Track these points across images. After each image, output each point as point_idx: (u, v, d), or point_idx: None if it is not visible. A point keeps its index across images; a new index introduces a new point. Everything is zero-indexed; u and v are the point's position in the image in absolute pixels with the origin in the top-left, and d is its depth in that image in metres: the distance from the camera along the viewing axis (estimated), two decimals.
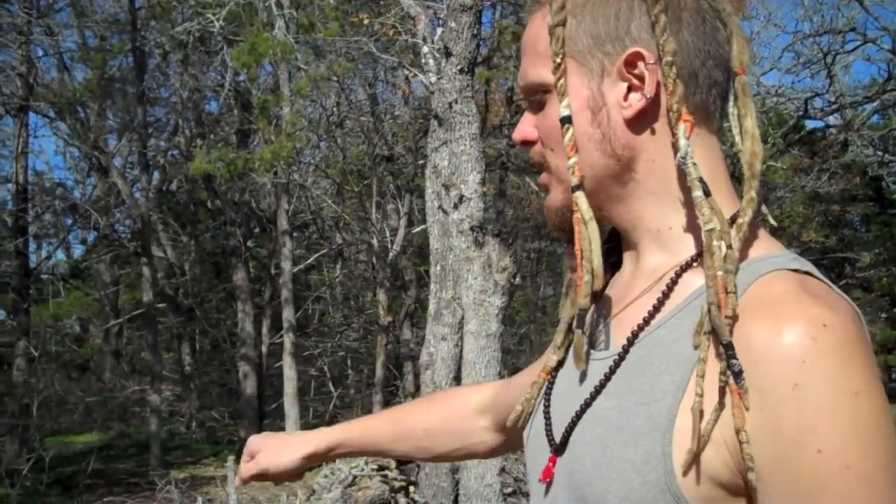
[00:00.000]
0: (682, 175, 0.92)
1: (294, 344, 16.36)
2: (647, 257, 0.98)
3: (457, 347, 7.47)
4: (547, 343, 1.10)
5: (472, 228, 6.76)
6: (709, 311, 0.85)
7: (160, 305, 19.74)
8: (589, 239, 0.95)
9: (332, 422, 19.71)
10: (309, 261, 20.21)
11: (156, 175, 20.81)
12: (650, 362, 0.90)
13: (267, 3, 11.14)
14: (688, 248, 0.94)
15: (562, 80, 0.96)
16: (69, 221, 22.48)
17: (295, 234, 20.12)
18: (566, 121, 0.95)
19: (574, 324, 0.99)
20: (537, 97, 1.01)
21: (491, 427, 1.40)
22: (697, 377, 0.84)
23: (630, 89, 0.94)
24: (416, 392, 14.42)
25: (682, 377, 0.86)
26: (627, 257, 1.02)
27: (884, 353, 26.10)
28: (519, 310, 22.59)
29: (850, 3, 14.93)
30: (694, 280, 0.91)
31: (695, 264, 0.92)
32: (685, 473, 0.83)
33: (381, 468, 9.56)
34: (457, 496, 7.45)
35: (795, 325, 0.80)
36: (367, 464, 9.62)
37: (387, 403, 16.55)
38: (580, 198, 0.95)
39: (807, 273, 0.88)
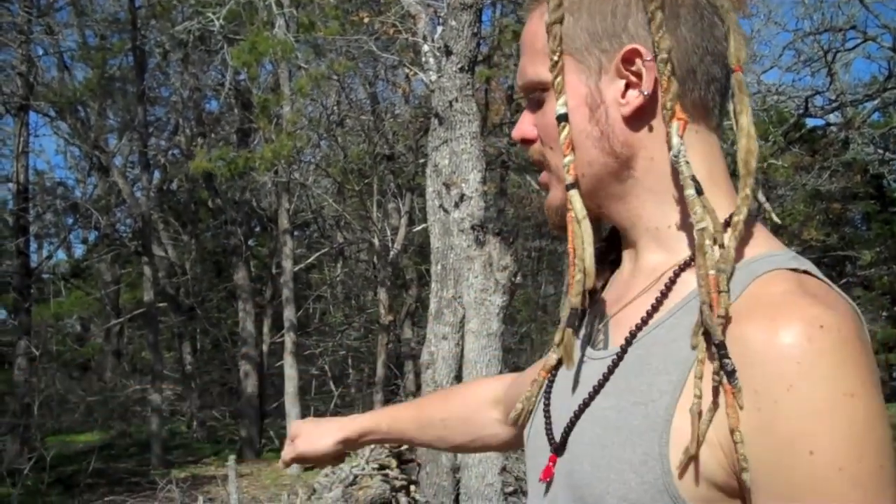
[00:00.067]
0: (678, 173, 0.92)
1: (295, 343, 16.37)
2: (647, 256, 0.97)
3: (458, 346, 7.47)
4: (548, 342, 1.09)
5: (472, 227, 6.75)
6: (701, 310, 0.85)
7: (161, 305, 19.74)
8: (582, 237, 0.94)
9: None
10: (310, 260, 20.22)
11: (156, 174, 20.83)
12: (648, 362, 0.90)
13: (267, 2, 11.14)
14: (686, 246, 0.94)
15: (559, 78, 0.95)
16: (70, 221, 22.50)
17: (296, 233, 20.11)
18: (562, 119, 0.95)
19: (564, 322, 0.99)
20: (536, 95, 1.00)
21: (502, 419, 1.40)
22: (696, 378, 0.83)
23: (628, 86, 0.93)
24: (417, 391, 14.42)
25: (680, 377, 0.86)
26: (627, 255, 1.02)
27: (885, 352, 26.10)
28: (520, 309, 22.58)
29: (850, 1, 14.92)
30: (692, 279, 0.91)
31: (693, 264, 0.92)
32: (682, 474, 0.83)
33: (381, 467, 9.56)
34: (458, 495, 7.45)
35: (792, 326, 0.79)
36: (367, 463, 9.62)
37: (387, 403, 16.55)
38: (574, 196, 0.95)
39: (806, 272, 0.87)
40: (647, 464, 0.85)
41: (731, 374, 0.80)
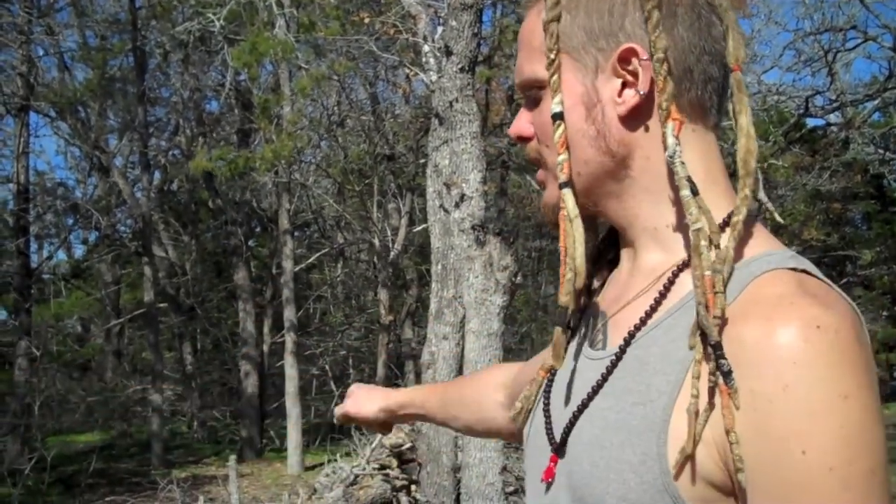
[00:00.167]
0: (674, 173, 0.92)
1: (295, 343, 16.37)
2: (645, 255, 0.97)
3: (458, 346, 7.47)
4: (548, 342, 1.10)
5: (473, 227, 6.75)
6: (697, 311, 0.85)
7: (161, 305, 19.75)
8: (573, 237, 0.94)
9: (333, 422, 19.84)
10: (310, 260, 20.22)
11: (157, 175, 20.83)
12: (646, 362, 0.90)
13: (267, 3, 11.14)
14: (684, 246, 0.93)
15: (555, 76, 0.95)
16: (70, 221, 22.49)
17: (296, 234, 20.12)
18: (558, 117, 0.95)
19: (558, 321, 0.99)
20: (533, 93, 1.00)
21: (505, 404, 1.40)
22: (693, 378, 0.83)
23: (624, 85, 0.93)
24: None
25: (678, 377, 0.86)
26: (625, 255, 1.02)
27: (885, 352, 26.12)
28: (520, 308, 22.58)
29: (850, 1, 14.91)
30: (690, 280, 0.91)
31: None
32: (680, 474, 0.83)
33: (382, 467, 9.56)
34: (458, 495, 7.45)
35: (789, 326, 0.79)
36: (368, 463, 9.62)
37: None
38: (567, 195, 0.95)
39: (805, 271, 0.87)
40: (645, 464, 0.85)
41: (728, 375, 0.80)
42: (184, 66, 17.93)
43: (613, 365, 0.93)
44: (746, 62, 0.94)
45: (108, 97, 18.34)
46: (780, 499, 0.79)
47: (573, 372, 1.01)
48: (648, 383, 0.88)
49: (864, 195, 24.59)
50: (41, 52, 17.42)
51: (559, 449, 0.97)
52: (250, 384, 17.86)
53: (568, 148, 0.96)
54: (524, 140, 1.03)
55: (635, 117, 0.93)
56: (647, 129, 0.94)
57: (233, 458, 10.89)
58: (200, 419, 21.25)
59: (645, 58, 0.91)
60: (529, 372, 1.27)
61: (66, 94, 16.64)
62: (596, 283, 1.07)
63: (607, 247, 1.07)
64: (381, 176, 18.46)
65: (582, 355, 1.01)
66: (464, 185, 6.82)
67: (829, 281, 0.88)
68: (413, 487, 9.23)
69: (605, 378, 0.94)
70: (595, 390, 0.94)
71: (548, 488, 0.99)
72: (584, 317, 1.05)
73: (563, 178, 0.95)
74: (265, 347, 19.50)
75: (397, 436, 9.62)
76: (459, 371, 7.29)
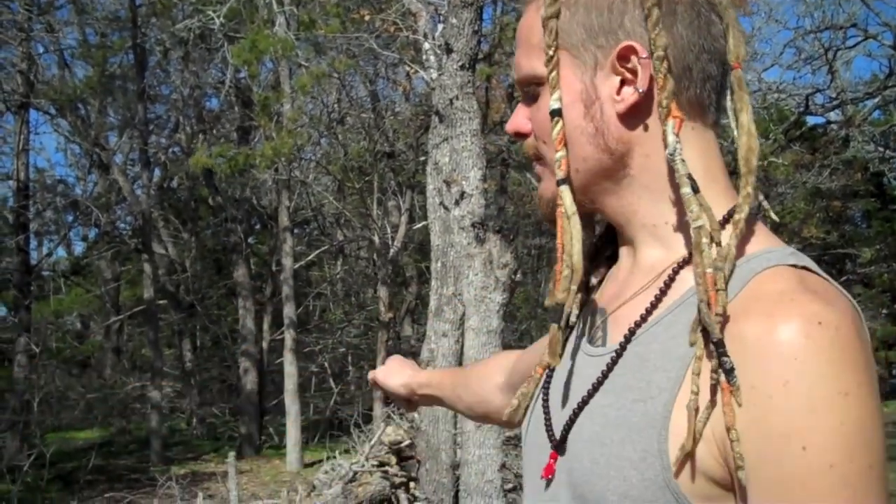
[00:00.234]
0: (674, 171, 0.92)
1: (295, 340, 16.38)
2: (645, 252, 0.97)
3: (458, 344, 7.48)
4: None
5: (473, 225, 6.75)
6: (699, 308, 0.85)
7: (161, 302, 19.75)
8: (571, 233, 0.94)
9: (332, 418, 19.67)
10: (310, 257, 20.21)
11: (157, 172, 20.83)
12: (647, 359, 0.90)
13: (267, 0, 11.13)
14: (684, 243, 0.94)
15: (554, 73, 0.95)
16: (70, 218, 22.50)
17: (296, 231, 20.11)
18: (556, 114, 0.95)
19: (553, 318, 0.99)
20: (531, 89, 1.00)
21: (503, 386, 1.41)
22: (693, 375, 0.83)
23: (623, 83, 0.93)
24: None
25: (678, 374, 0.86)
26: (624, 251, 1.02)
27: (885, 349, 26.12)
28: (520, 306, 22.56)
29: None
30: (691, 277, 0.90)
31: (692, 262, 0.92)
32: (681, 470, 0.83)
33: (381, 464, 9.56)
34: (457, 492, 7.46)
35: (790, 323, 0.79)
36: (367, 460, 9.62)
37: (387, 400, 16.47)
38: (564, 192, 0.95)
39: (805, 268, 0.87)
40: (646, 460, 0.85)
41: (730, 372, 0.81)
42: (184, 63, 17.92)
43: (614, 362, 0.93)
44: (746, 60, 0.94)
45: (108, 94, 18.34)
46: (780, 495, 0.79)
47: (572, 369, 1.01)
48: (649, 380, 0.88)
49: (864, 193, 24.59)
50: (41, 50, 17.44)
51: (559, 446, 0.97)
52: (249, 381, 17.86)
53: (566, 145, 0.96)
54: (521, 136, 1.03)
55: (634, 115, 0.93)
56: (646, 127, 0.93)
57: (232, 454, 10.90)
58: (199, 416, 21.26)
59: (644, 56, 0.91)
60: (529, 360, 1.28)
61: (66, 92, 16.63)
62: (594, 280, 1.07)
63: (605, 244, 1.07)
64: (381, 173, 18.45)
65: (581, 352, 1.01)
66: (464, 182, 6.82)
67: (829, 278, 0.88)
68: (412, 484, 9.23)
69: (605, 375, 0.93)
70: (595, 387, 0.94)
71: (547, 485, 0.99)
72: (581, 314, 1.05)
73: (560, 174, 0.95)
74: (264, 344, 19.51)
75: (396, 433, 9.62)
76: None
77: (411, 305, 19.52)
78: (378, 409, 16.15)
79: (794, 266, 0.87)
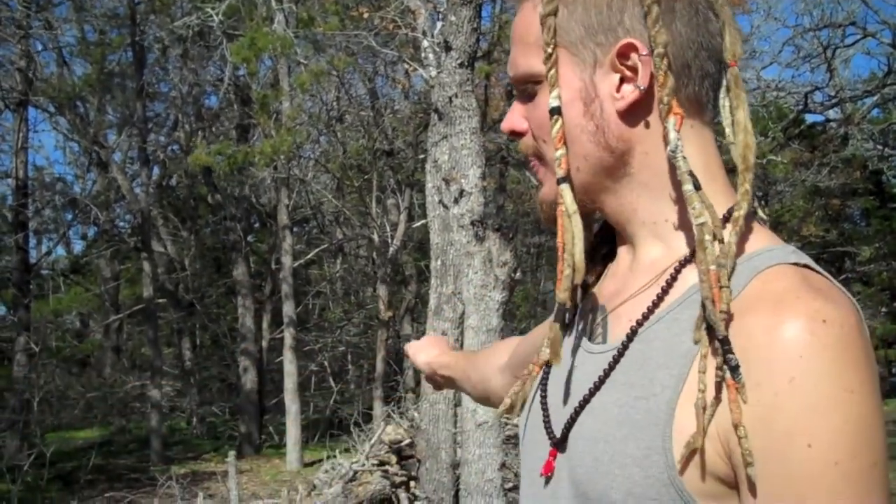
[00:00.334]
0: (675, 168, 0.91)
1: (294, 339, 16.38)
2: (645, 250, 0.97)
3: (457, 342, 7.47)
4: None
5: (472, 223, 6.75)
6: (703, 306, 0.85)
7: (160, 301, 19.76)
8: (572, 232, 0.94)
9: (332, 417, 19.67)
10: (309, 256, 20.22)
11: (156, 170, 20.84)
12: (649, 357, 0.90)
13: None
14: (685, 241, 0.93)
15: (553, 71, 0.94)
16: (69, 217, 22.52)
17: (295, 229, 20.11)
18: (556, 112, 0.94)
19: (552, 317, 0.98)
20: (527, 87, 0.99)
21: (504, 368, 1.43)
22: (699, 373, 0.83)
23: (623, 81, 0.93)
24: (417, 387, 14.43)
25: (681, 371, 0.86)
26: (623, 250, 1.01)
27: (884, 348, 26.14)
28: (519, 304, 22.60)
29: None
30: (692, 275, 0.91)
31: (694, 260, 0.92)
32: (685, 467, 0.83)
33: (381, 463, 9.57)
34: (457, 491, 7.46)
35: (795, 320, 0.80)
36: (367, 459, 9.63)
37: (387, 398, 16.57)
38: (565, 190, 0.95)
39: (806, 266, 0.87)
40: (650, 458, 0.85)
41: (735, 370, 0.81)
42: (183, 61, 17.92)
43: (616, 359, 0.93)
44: (744, 58, 0.94)
45: (106, 92, 18.34)
46: (784, 491, 0.79)
47: (571, 366, 1.00)
48: (652, 377, 0.88)
49: (863, 191, 24.61)
50: (40, 47, 17.42)
51: (560, 443, 0.97)
52: (249, 380, 17.87)
53: (566, 143, 0.95)
54: (517, 135, 1.03)
55: (634, 113, 0.93)
56: (646, 125, 0.93)
57: (232, 454, 10.90)
58: (199, 415, 21.27)
59: (645, 53, 0.91)
60: (529, 344, 1.30)
61: (64, 90, 16.63)
62: (590, 279, 1.07)
63: (601, 242, 1.07)
64: (380, 171, 18.44)
65: (581, 350, 1.01)
66: (463, 180, 6.81)
67: (829, 276, 0.88)
68: (412, 484, 9.24)
69: (607, 372, 0.93)
70: (597, 384, 0.94)
71: (547, 482, 0.99)
72: (579, 312, 1.05)
73: (560, 173, 0.95)
74: (264, 343, 19.51)
75: (396, 432, 9.63)
76: None
77: (411, 304, 19.52)
78: (378, 409, 16.16)
79: (796, 264, 0.87)
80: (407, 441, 9.46)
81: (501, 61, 15.28)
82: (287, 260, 16.43)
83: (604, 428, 0.91)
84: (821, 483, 0.78)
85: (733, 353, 0.81)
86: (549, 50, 0.94)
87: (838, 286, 0.87)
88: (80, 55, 17.94)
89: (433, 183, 7.79)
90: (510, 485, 8.33)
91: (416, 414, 9.66)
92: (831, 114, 17.98)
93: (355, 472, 9.53)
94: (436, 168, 7.70)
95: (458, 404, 7.59)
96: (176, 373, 22.73)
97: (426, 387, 8.25)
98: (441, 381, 1.67)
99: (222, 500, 11.50)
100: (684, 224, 0.93)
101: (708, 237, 0.87)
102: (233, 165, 13.72)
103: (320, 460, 12.56)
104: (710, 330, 0.84)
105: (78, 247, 26.94)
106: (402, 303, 19.79)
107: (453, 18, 6.88)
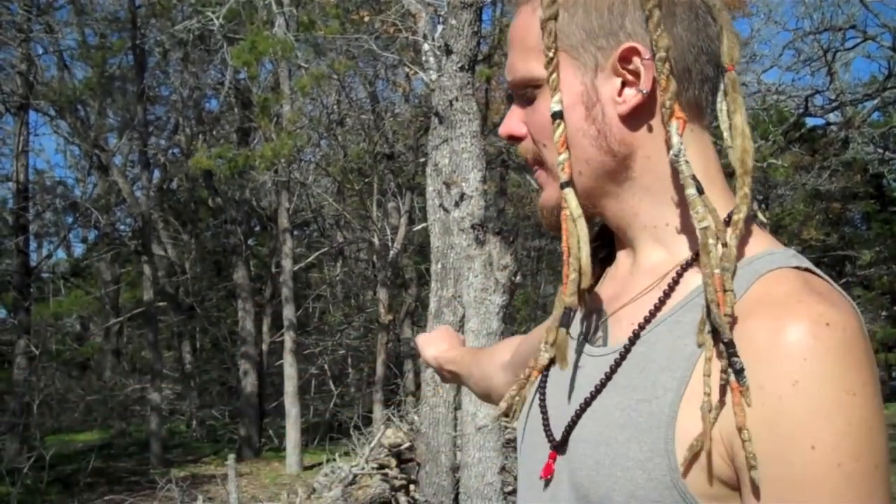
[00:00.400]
0: (676, 172, 0.92)
1: (294, 342, 16.37)
2: (646, 254, 0.97)
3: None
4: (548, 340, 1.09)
5: (473, 226, 6.75)
6: (708, 309, 0.85)
7: (161, 304, 19.75)
8: (577, 236, 0.94)
9: (332, 421, 19.65)
10: (309, 259, 20.21)
11: (156, 173, 20.84)
12: (651, 359, 0.90)
13: (267, 1, 11.14)
14: (686, 244, 0.94)
15: (554, 75, 0.94)
16: (70, 220, 22.51)
17: (295, 233, 20.12)
18: (557, 116, 0.94)
19: (558, 322, 0.98)
20: (527, 92, 0.99)
21: (506, 366, 1.43)
22: (704, 376, 0.84)
23: (624, 85, 0.93)
24: (417, 390, 14.42)
25: (684, 374, 0.87)
26: (623, 254, 1.02)
27: (884, 351, 26.13)
28: (520, 308, 22.59)
29: (850, 1, 14.93)
30: (694, 279, 0.91)
31: (695, 263, 0.92)
32: (688, 470, 0.84)
33: (381, 466, 9.56)
34: (457, 495, 7.45)
35: (798, 323, 0.80)
36: (367, 462, 9.62)
37: (387, 402, 16.57)
38: (569, 194, 0.95)
39: (808, 270, 0.88)
40: (653, 460, 0.85)
41: (740, 373, 0.81)
42: (183, 64, 17.93)
43: (618, 363, 0.93)
44: (745, 61, 0.94)
45: (107, 96, 18.34)
46: (788, 493, 0.79)
47: (572, 369, 1.01)
48: (654, 380, 0.89)
49: (864, 195, 24.61)
50: (40, 51, 17.43)
51: (560, 446, 0.97)
52: (249, 383, 17.86)
53: (568, 147, 0.95)
54: (515, 139, 1.03)
55: (636, 116, 0.93)
56: (649, 129, 0.94)
57: (231, 457, 10.89)
58: (199, 418, 21.25)
59: (647, 57, 0.91)
60: (529, 344, 1.30)
61: (65, 93, 16.63)
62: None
63: (598, 246, 1.07)
64: (380, 175, 18.45)
65: (581, 353, 1.01)
66: (463, 184, 6.81)
67: (830, 280, 0.89)
68: (412, 487, 9.23)
69: (608, 375, 0.94)
70: (599, 388, 0.94)
71: (546, 485, 0.99)
72: (579, 315, 1.05)
73: (564, 177, 0.95)
74: (264, 346, 19.51)
75: (396, 435, 9.62)
76: None
77: (411, 307, 19.51)
78: (378, 412, 16.16)
79: (798, 268, 0.88)
80: (407, 444, 9.45)
81: (502, 65, 15.28)
82: (287, 263, 16.42)
83: (605, 431, 0.91)
84: (824, 485, 0.78)
85: (738, 357, 0.82)
86: (551, 54, 0.94)
87: (838, 290, 0.88)
88: (81, 59, 17.95)
89: (434, 186, 7.78)
90: (510, 488, 8.32)
91: (415, 417, 9.66)
92: (832, 117, 18.01)
93: (355, 476, 9.53)
94: (436, 171, 7.70)
95: (458, 408, 7.58)
96: (176, 376, 22.72)
97: (426, 390, 8.25)
98: (447, 376, 1.68)
99: (222, 503, 11.49)
100: (686, 228, 0.93)
101: (712, 241, 0.87)
102: (233, 169, 13.72)
103: (320, 464, 12.54)
104: (714, 333, 0.84)
105: (78, 250, 26.98)
106: (402, 306, 19.79)
107: (454, 22, 6.88)
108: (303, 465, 15.40)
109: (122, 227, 22.22)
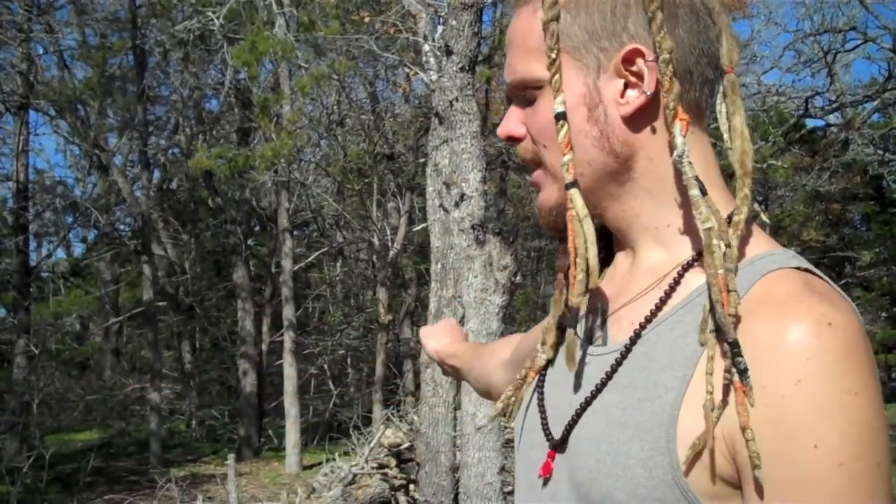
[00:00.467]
0: (679, 173, 0.92)
1: (294, 342, 16.37)
2: (645, 254, 0.98)
3: None
4: (546, 339, 1.09)
5: (472, 227, 6.75)
6: (712, 309, 0.85)
7: (160, 304, 19.74)
8: (584, 236, 0.94)
9: (332, 421, 19.65)
10: (309, 259, 20.21)
11: (156, 173, 20.83)
12: (652, 358, 0.91)
13: (267, 2, 11.14)
14: (687, 245, 0.94)
15: (556, 76, 0.95)
16: (70, 219, 22.50)
17: (295, 233, 20.11)
18: (561, 117, 0.95)
19: (567, 323, 0.99)
20: (527, 93, 1.00)
21: (506, 364, 1.43)
22: (707, 375, 0.84)
23: (627, 86, 0.93)
24: (416, 390, 14.42)
25: (685, 373, 0.87)
26: (622, 254, 1.02)
27: (884, 353, 26.11)
28: (519, 308, 22.59)
29: (850, 2, 14.93)
30: (695, 279, 0.92)
31: (696, 264, 0.92)
32: (690, 468, 0.84)
33: (381, 466, 9.56)
34: (457, 494, 7.45)
35: (800, 323, 0.81)
36: (367, 462, 9.63)
37: (386, 402, 16.56)
38: (575, 195, 0.95)
39: (808, 271, 0.88)
40: (654, 458, 0.86)
41: (744, 373, 0.82)
42: (183, 64, 17.92)
43: (619, 362, 0.94)
44: (745, 62, 0.95)
45: (107, 95, 18.33)
46: (791, 492, 0.80)
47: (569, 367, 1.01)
48: (656, 379, 0.89)
49: (864, 196, 24.60)
50: (41, 51, 17.42)
51: (559, 445, 0.97)
52: (249, 383, 17.85)
53: (571, 148, 0.96)
54: (514, 140, 1.03)
55: (639, 118, 0.94)
56: (652, 130, 0.94)
57: (231, 456, 10.89)
58: (199, 418, 21.25)
59: (650, 59, 0.92)
60: (529, 345, 1.29)
61: (65, 93, 16.62)
62: None
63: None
64: (380, 175, 18.45)
65: (581, 352, 1.01)
66: (463, 184, 6.82)
67: (829, 280, 0.89)
68: (411, 487, 9.23)
69: (609, 375, 0.94)
70: (600, 386, 0.94)
71: (545, 483, 0.99)
72: (578, 315, 1.05)
73: (569, 178, 0.95)
74: (264, 346, 19.50)
75: (396, 435, 9.62)
76: None
77: (411, 307, 19.51)
78: (378, 412, 16.15)
79: (798, 268, 0.88)
80: (406, 444, 9.45)
81: (502, 65, 15.23)
82: (287, 263, 16.42)
83: (606, 429, 0.91)
84: (826, 484, 0.79)
85: (742, 357, 0.82)
86: (553, 55, 0.94)
87: (838, 291, 0.88)
88: (81, 59, 17.94)
89: (434, 187, 7.79)
90: (509, 488, 8.33)
91: (415, 417, 9.66)
92: (832, 118, 18.00)
93: (354, 476, 9.53)
94: (436, 172, 7.70)
95: (457, 408, 7.59)
96: (175, 376, 22.71)
97: (425, 390, 8.25)
98: (449, 370, 1.67)
99: (221, 502, 11.49)
100: (688, 229, 0.94)
101: (716, 241, 0.88)
102: (233, 169, 13.73)
103: (319, 463, 12.55)
104: (718, 332, 0.85)
105: (78, 250, 26.97)
106: (402, 306, 19.78)
107: (454, 22, 6.89)
108: (302, 465, 15.40)
109: (121, 227, 22.24)
